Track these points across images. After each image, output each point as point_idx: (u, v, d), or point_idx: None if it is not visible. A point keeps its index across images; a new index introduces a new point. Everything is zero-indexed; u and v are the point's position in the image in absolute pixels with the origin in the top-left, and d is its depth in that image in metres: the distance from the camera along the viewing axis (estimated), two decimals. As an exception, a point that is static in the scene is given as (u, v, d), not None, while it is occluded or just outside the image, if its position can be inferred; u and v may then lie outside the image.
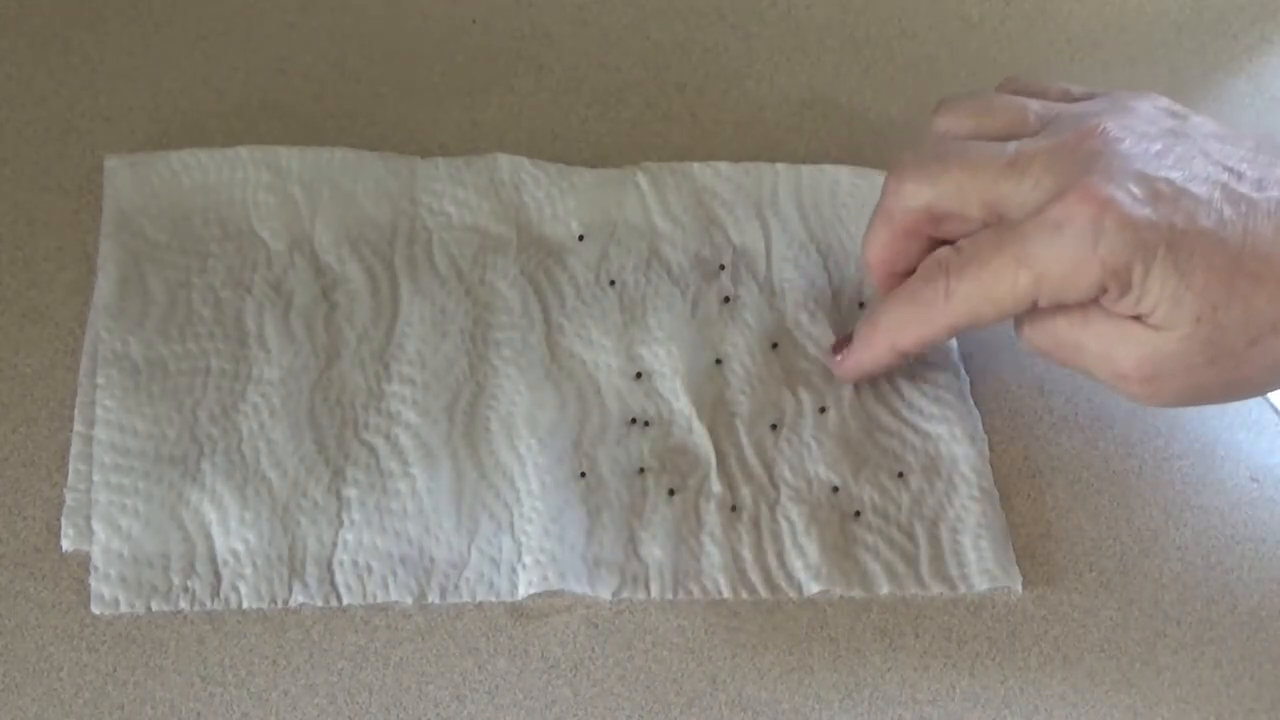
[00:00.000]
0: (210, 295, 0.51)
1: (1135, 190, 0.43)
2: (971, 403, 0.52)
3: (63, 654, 0.43)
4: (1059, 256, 0.43)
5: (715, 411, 0.51)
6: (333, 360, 0.50)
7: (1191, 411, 0.54)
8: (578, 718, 0.44)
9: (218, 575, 0.45)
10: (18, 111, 0.55)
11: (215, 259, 0.51)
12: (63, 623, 0.44)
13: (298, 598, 0.45)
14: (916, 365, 0.53)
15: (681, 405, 0.50)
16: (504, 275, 0.53)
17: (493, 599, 0.46)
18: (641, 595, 0.47)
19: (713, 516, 0.48)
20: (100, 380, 0.48)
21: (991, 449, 0.51)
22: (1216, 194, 0.44)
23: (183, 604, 0.45)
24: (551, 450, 0.48)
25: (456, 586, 0.46)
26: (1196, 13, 0.67)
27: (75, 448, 0.47)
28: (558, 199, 0.55)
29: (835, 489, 0.49)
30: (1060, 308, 0.45)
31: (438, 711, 0.44)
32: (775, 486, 0.49)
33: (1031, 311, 0.46)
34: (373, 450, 0.48)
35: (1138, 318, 0.44)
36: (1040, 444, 0.52)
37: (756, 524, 0.48)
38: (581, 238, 0.54)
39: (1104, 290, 0.44)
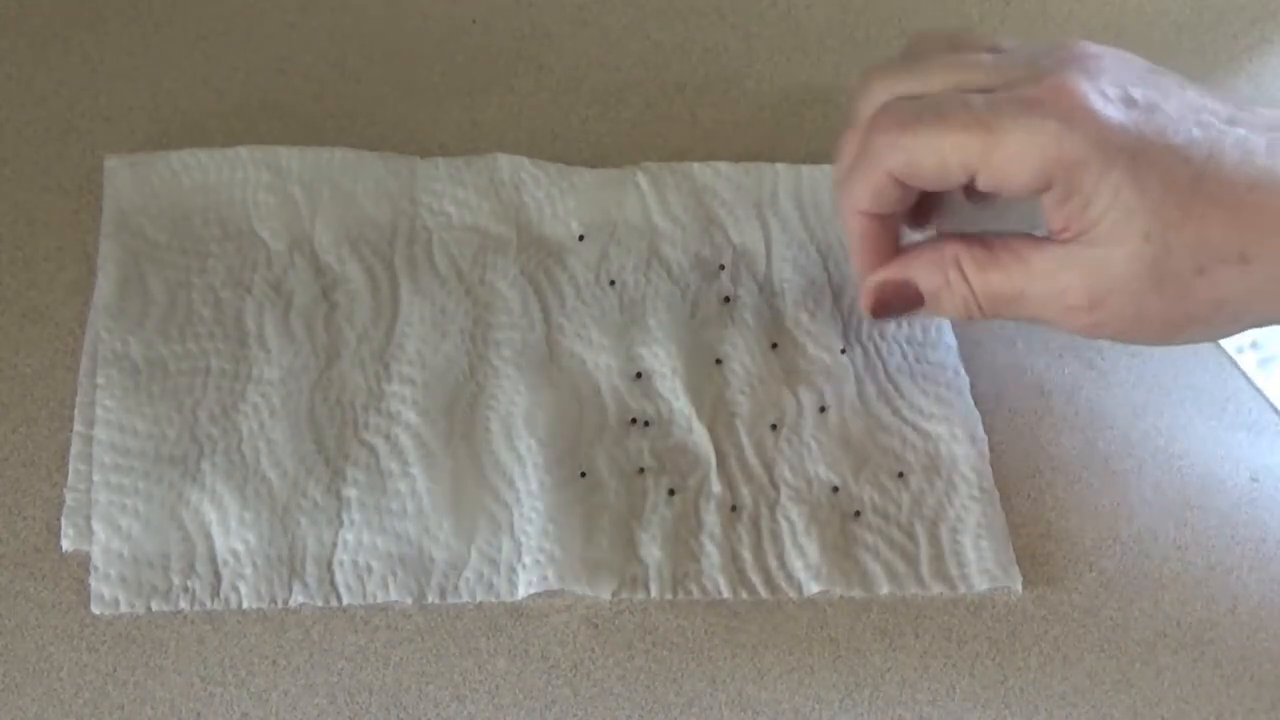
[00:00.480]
0: (210, 295, 0.51)
1: (1110, 93, 0.43)
2: (971, 403, 0.52)
3: (63, 654, 0.43)
4: (1020, 134, 0.43)
5: (715, 411, 0.51)
6: (333, 360, 0.50)
7: (1192, 411, 0.54)
8: (578, 718, 0.44)
9: (218, 575, 0.45)
10: (18, 111, 0.55)
11: (215, 259, 0.51)
12: (63, 623, 0.44)
13: (297, 598, 0.45)
14: (917, 365, 0.53)
15: (681, 405, 0.50)
16: (504, 275, 0.53)
17: (492, 599, 0.46)
18: (641, 595, 0.47)
19: (712, 516, 0.48)
20: (100, 380, 0.48)
21: (991, 449, 0.51)
22: (1189, 116, 0.43)
23: (183, 604, 0.45)
24: (551, 450, 0.48)
25: (456, 587, 0.46)
26: (1196, 13, 0.67)
27: (75, 448, 0.47)
28: (558, 199, 0.55)
29: (835, 489, 0.49)
30: (995, 261, 0.45)
31: (438, 711, 0.44)
32: (775, 486, 0.49)
33: (969, 266, 0.45)
34: (372, 450, 0.48)
35: (1077, 237, 0.44)
36: (1040, 444, 0.52)
37: (756, 524, 0.48)
38: (581, 238, 0.54)
39: (1047, 185, 0.43)
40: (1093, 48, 0.45)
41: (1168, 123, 0.43)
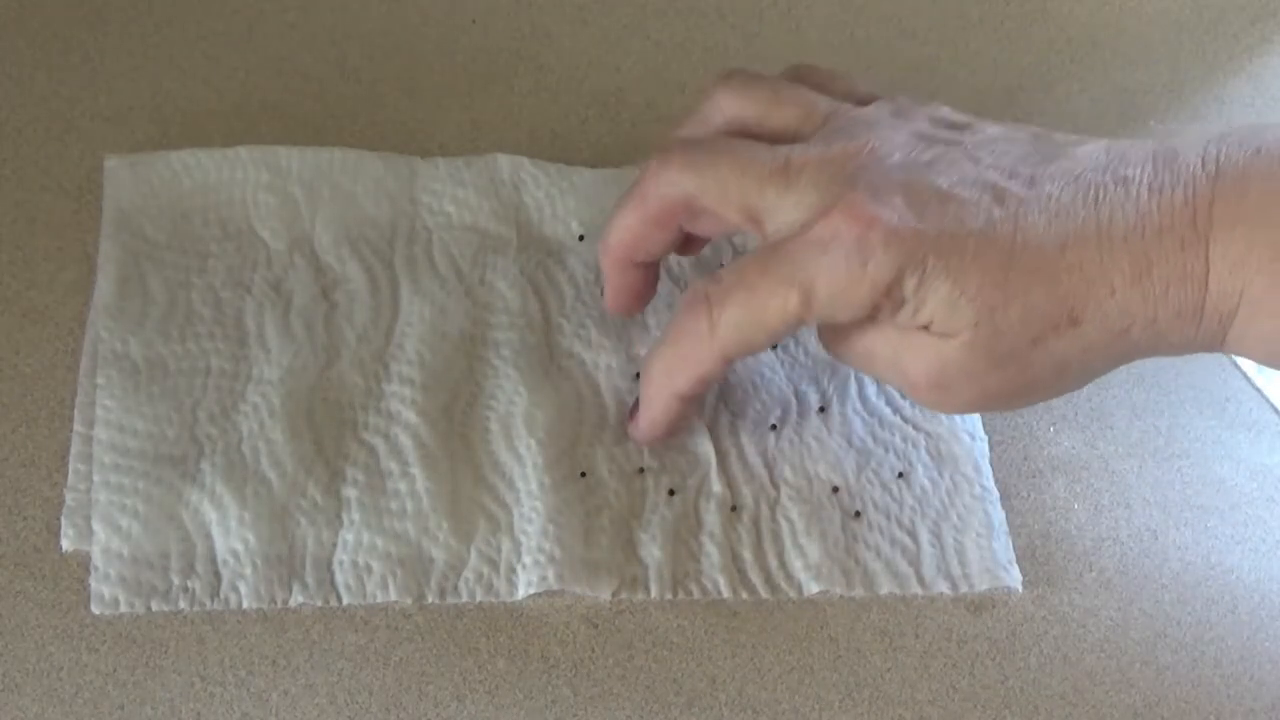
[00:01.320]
0: (210, 295, 0.51)
1: (899, 201, 0.42)
2: (971, 403, 0.52)
3: (63, 654, 0.43)
4: (828, 276, 0.42)
5: (715, 411, 0.51)
6: (332, 360, 0.50)
7: (1192, 411, 0.54)
8: (578, 718, 0.44)
9: (217, 575, 0.45)
10: (18, 111, 0.55)
11: (215, 259, 0.51)
12: (63, 623, 0.44)
13: (297, 598, 0.45)
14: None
15: (681, 405, 0.50)
16: (504, 275, 0.53)
17: (492, 599, 0.46)
18: (641, 595, 0.47)
19: (712, 516, 0.48)
20: (100, 380, 0.48)
21: (991, 449, 0.51)
22: (985, 196, 0.43)
23: (183, 604, 0.45)
24: (551, 450, 0.48)
25: (455, 587, 0.46)
26: (1196, 13, 0.67)
27: (75, 448, 0.47)
28: (558, 199, 0.55)
29: (835, 489, 0.49)
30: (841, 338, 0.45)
31: (438, 711, 0.44)
32: (775, 486, 0.49)
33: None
34: (372, 450, 0.48)
35: (924, 327, 0.43)
36: (1040, 444, 0.52)
37: (757, 524, 0.48)
38: (581, 238, 0.54)
39: (877, 307, 0.43)
40: (880, 144, 0.44)
41: (963, 210, 0.42)
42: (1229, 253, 0.42)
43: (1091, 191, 0.43)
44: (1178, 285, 0.42)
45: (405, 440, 0.48)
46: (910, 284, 0.42)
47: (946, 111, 0.47)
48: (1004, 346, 0.43)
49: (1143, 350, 0.43)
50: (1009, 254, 0.42)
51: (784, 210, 0.44)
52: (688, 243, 0.49)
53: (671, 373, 0.46)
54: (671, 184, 0.46)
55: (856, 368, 0.47)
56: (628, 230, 0.47)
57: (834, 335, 0.46)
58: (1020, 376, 0.44)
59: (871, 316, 0.43)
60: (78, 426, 0.47)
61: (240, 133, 0.55)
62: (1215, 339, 0.43)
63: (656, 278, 0.50)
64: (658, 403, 0.47)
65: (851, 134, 0.44)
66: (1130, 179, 0.43)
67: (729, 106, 0.47)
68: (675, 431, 0.49)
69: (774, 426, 0.50)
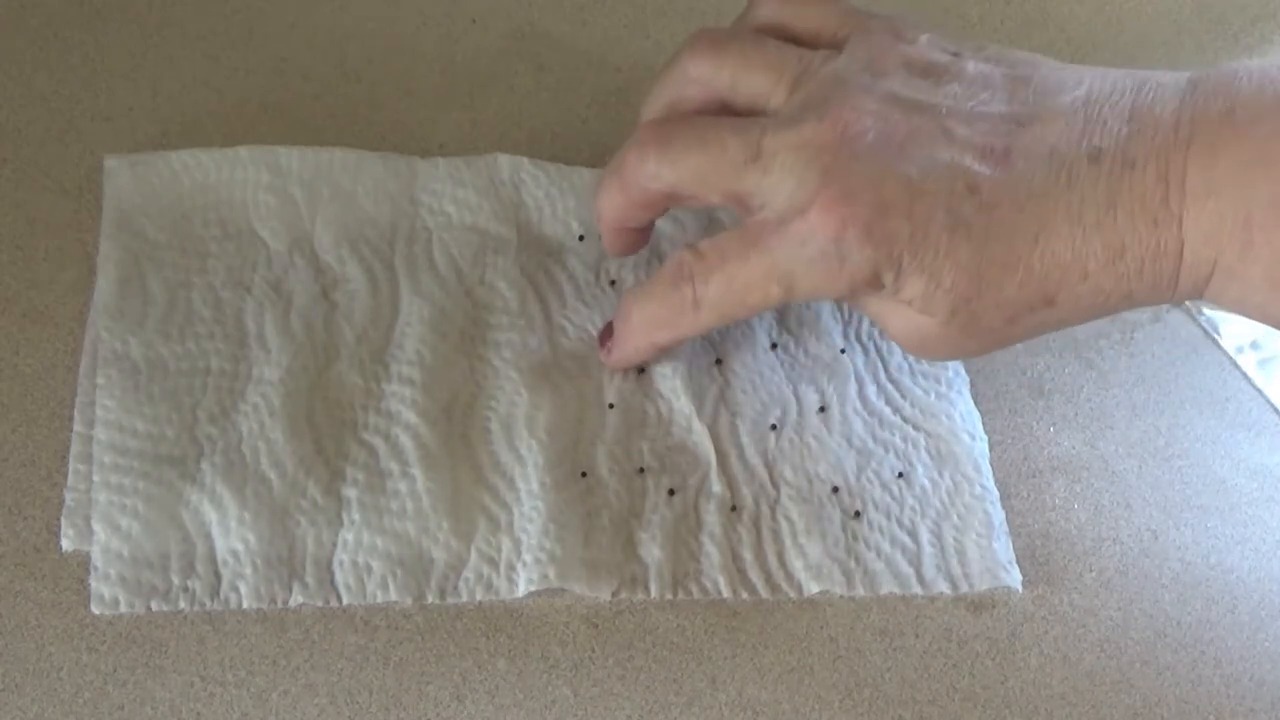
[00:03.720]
0: (210, 295, 0.50)
1: (872, 199, 0.43)
2: (971, 402, 0.52)
3: (63, 654, 0.43)
4: (807, 271, 0.44)
5: (715, 411, 0.51)
6: (332, 360, 0.50)
7: (1192, 411, 0.54)
8: (578, 718, 0.44)
9: (218, 575, 0.45)
10: (18, 111, 0.55)
11: (215, 259, 0.51)
12: (63, 623, 0.44)
13: (297, 598, 0.45)
14: (917, 364, 0.53)
15: (681, 405, 0.50)
16: (504, 275, 0.52)
17: (492, 599, 0.46)
18: (641, 595, 0.47)
19: (713, 516, 0.48)
20: (100, 380, 0.48)
21: (991, 449, 0.51)
22: (959, 185, 0.43)
23: (183, 604, 0.45)
24: (551, 450, 0.48)
25: (456, 587, 0.46)
26: (1196, 13, 0.67)
27: (75, 448, 0.47)
28: (558, 199, 0.55)
29: (835, 489, 0.49)
30: None
31: (438, 711, 0.44)
32: (775, 486, 0.49)
33: None
34: (372, 450, 0.48)
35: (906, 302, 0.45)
36: (1040, 444, 0.52)
37: (757, 524, 0.48)
38: (582, 238, 0.54)
39: (857, 290, 0.44)
40: (854, 118, 0.44)
41: (937, 206, 0.43)
42: (1201, 225, 0.42)
43: (1064, 174, 0.43)
44: (1152, 262, 0.43)
45: (405, 440, 0.48)
46: (888, 277, 0.44)
47: (925, 46, 0.46)
48: (980, 326, 0.44)
49: (1119, 311, 0.45)
50: (982, 248, 0.43)
51: (765, 191, 0.45)
52: None
53: (652, 329, 0.48)
54: (651, 178, 0.47)
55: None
56: (616, 208, 0.49)
57: None
58: (997, 343, 0.46)
59: (854, 293, 0.45)
60: (78, 426, 0.47)
61: (240, 133, 0.55)
62: (1191, 298, 0.44)
63: (652, 227, 0.51)
64: (636, 346, 0.50)
65: (822, 109, 0.44)
66: (1103, 151, 0.43)
67: (699, 73, 0.47)
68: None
69: (774, 426, 0.50)
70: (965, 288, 0.43)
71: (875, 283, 0.44)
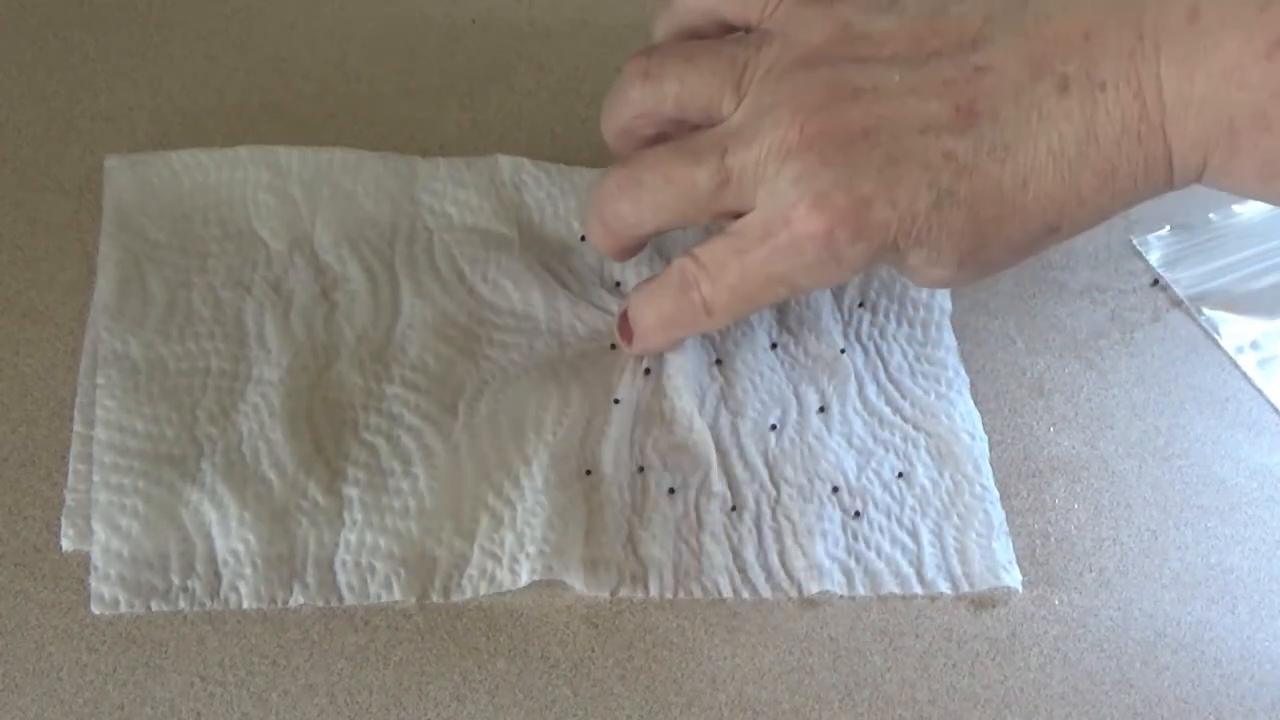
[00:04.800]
0: (210, 295, 0.50)
1: (852, 198, 0.43)
2: (971, 402, 0.52)
3: (63, 654, 0.43)
4: (807, 273, 0.45)
5: (716, 411, 0.51)
6: (333, 360, 0.50)
7: (1192, 411, 0.54)
8: (578, 718, 0.44)
9: (218, 575, 0.45)
10: (18, 111, 0.55)
11: (215, 259, 0.51)
12: (63, 623, 0.44)
13: (298, 598, 0.45)
14: (917, 364, 0.53)
15: (682, 404, 0.50)
16: (509, 274, 0.52)
17: (495, 591, 0.46)
18: (640, 595, 0.47)
19: (713, 516, 0.48)
20: (100, 380, 0.48)
21: (991, 449, 0.51)
22: (934, 157, 0.43)
23: (183, 604, 0.45)
24: (554, 449, 0.48)
25: (460, 585, 0.46)
26: None
27: (75, 448, 0.47)
28: (559, 199, 0.55)
29: (836, 489, 0.49)
30: None
31: (438, 711, 0.44)
32: (776, 486, 0.49)
33: None
34: (374, 450, 0.48)
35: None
36: (1040, 444, 0.52)
37: (757, 523, 0.48)
38: (583, 238, 0.54)
39: (861, 271, 0.46)
40: (809, 122, 0.44)
41: (919, 185, 0.43)
42: (1186, 133, 0.42)
43: (1035, 114, 0.43)
44: (1144, 175, 0.43)
45: (408, 441, 0.48)
46: (888, 257, 0.45)
47: (847, 4, 0.46)
48: (993, 263, 0.46)
49: (1124, 210, 0.45)
50: (974, 210, 0.43)
51: (745, 204, 0.46)
52: None
53: (668, 329, 0.50)
54: (633, 225, 0.48)
55: None
56: (605, 245, 0.50)
57: None
58: (1015, 265, 0.47)
59: (860, 272, 0.47)
60: (78, 426, 0.47)
61: (240, 133, 0.55)
62: (1188, 186, 0.45)
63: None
64: (656, 340, 0.50)
65: (773, 114, 0.44)
66: (1069, 79, 0.43)
67: (643, 106, 0.48)
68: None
69: (774, 426, 0.50)
70: (966, 245, 0.44)
71: (876, 263, 0.45)
